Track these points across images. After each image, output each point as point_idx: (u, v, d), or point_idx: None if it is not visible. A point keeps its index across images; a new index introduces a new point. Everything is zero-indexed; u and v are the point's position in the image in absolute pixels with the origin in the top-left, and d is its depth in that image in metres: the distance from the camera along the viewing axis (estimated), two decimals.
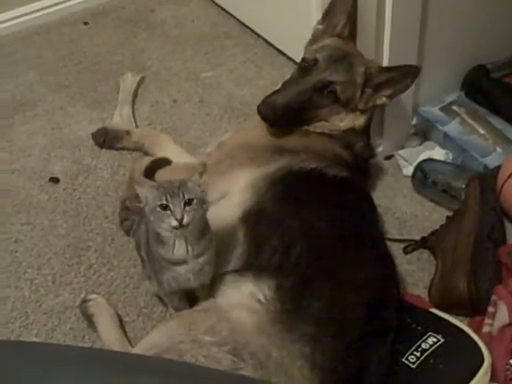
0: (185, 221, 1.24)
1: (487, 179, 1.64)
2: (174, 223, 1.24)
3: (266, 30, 2.29)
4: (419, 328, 1.35)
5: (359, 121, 1.65)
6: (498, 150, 1.77)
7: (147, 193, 1.28)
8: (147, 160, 1.84)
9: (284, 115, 1.59)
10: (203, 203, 1.28)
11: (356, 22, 1.72)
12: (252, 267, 1.36)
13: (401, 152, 1.87)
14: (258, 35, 2.33)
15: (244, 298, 1.31)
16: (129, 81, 2.15)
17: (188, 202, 1.25)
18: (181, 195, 1.24)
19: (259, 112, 1.60)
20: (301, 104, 1.60)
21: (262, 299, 1.29)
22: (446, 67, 1.88)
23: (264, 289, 1.30)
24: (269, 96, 1.62)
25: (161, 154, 1.85)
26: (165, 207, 1.24)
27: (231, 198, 1.52)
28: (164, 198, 1.24)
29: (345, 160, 1.61)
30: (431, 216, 1.74)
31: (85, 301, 1.52)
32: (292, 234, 1.39)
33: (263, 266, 1.35)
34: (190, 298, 1.44)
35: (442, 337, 1.31)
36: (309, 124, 1.63)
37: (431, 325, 1.36)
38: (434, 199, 1.76)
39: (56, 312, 1.54)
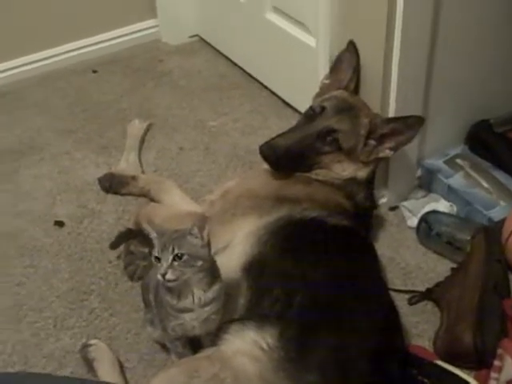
0: (168, 276, 1.27)
1: (492, 232, 1.64)
2: (159, 277, 1.27)
3: (273, 82, 2.33)
4: (425, 380, 1.34)
5: (361, 172, 1.67)
6: (502, 203, 1.78)
7: (153, 239, 1.31)
8: (153, 206, 1.86)
9: (285, 158, 1.62)
10: (199, 259, 1.29)
11: (360, 76, 1.76)
12: (254, 316, 1.35)
13: (405, 203, 1.88)
14: (265, 86, 2.38)
15: (247, 346, 1.29)
16: (136, 127, 2.18)
17: (179, 257, 1.26)
18: (170, 249, 1.27)
19: (261, 152, 1.63)
20: (303, 148, 1.62)
21: (265, 347, 1.28)
22: (451, 121, 1.91)
23: (266, 337, 1.29)
24: (273, 138, 1.65)
25: (166, 199, 1.87)
26: (157, 259, 1.28)
27: (234, 248, 1.53)
28: (157, 250, 1.28)
29: (346, 210, 1.62)
30: (436, 267, 1.74)
31: (86, 346, 1.50)
32: (293, 284, 1.39)
33: (265, 315, 1.34)
34: (194, 345, 1.42)
35: None
36: (311, 170, 1.65)
37: (437, 377, 1.34)
38: (438, 251, 1.76)
39: (56, 356, 1.52)
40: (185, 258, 1.27)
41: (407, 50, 1.65)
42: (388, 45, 1.64)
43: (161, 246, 1.28)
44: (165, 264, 1.26)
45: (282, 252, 1.48)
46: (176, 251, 1.26)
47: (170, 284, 1.28)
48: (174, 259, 1.26)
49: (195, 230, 1.30)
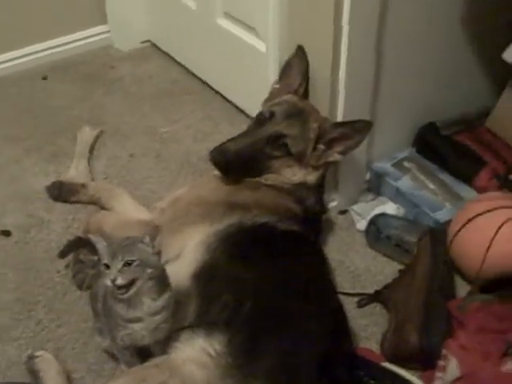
0: (118, 281, 1.26)
1: (438, 234, 1.67)
2: (108, 283, 1.26)
3: (225, 88, 2.34)
4: (372, 382, 1.36)
5: (311, 176, 1.68)
6: (448, 205, 1.82)
7: (100, 248, 1.31)
8: (103, 214, 1.85)
9: (235, 162, 1.62)
10: (149, 266, 1.29)
11: (309, 80, 1.77)
12: (204, 323, 1.35)
13: (354, 207, 1.91)
14: (217, 92, 2.38)
15: (196, 353, 1.29)
16: (87, 134, 2.15)
17: (129, 263, 1.26)
18: (120, 256, 1.26)
19: (211, 157, 1.63)
20: (253, 153, 1.63)
21: (213, 354, 1.27)
22: (398, 124, 1.94)
23: (215, 344, 1.29)
24: (223, 143, 1.65)
25: (117, 207, 1.85)
26: (107, 266, 1.27)
27: (185, 256, 1.52)
28: (106, 257, 1.27)
29: (296, 214, 1.63)
30: (384, 270, 1.76)
31: (31, 357, 1.47)
32: (242, 290, 1.39)
33: (214, 322, 1.34)
34: (143, 354, 1.41)
35: None
36: (261, 175, 1.65)
37: (384, 378, 1.36)
38: (386, 253, 1.78)
39: (2, 368, 1.49)
40: (135, 264, 1.26)
41: (354, 55, 1.67)
42: (335, 50, 1.66)
43: (110, 253, 1.27)
44: (114, 270, 1.26)
45: (232, 258, 1.48)
46: (126, 258, 1.26)
47: (120, 292, 1.27)
48: (124, 265, 1.26)
49: (147, 239, 1.30)
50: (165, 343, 1.36)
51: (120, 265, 1.26)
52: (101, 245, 1.31)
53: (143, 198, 1.94)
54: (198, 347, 1.30)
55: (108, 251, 1.28)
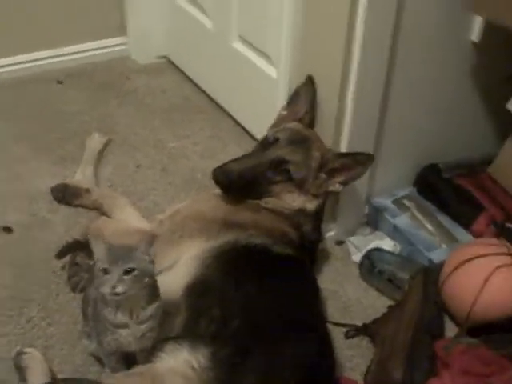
0: (118, 289, 1.28)
1: (431, 273, 1.69)
2: (108, 290, 1.28)
3: (235, 109, 2.38)
4: None
5: (311, 204, 1.71)
6: (444, 246, 1.84)
7: (98, 252, 1.32)
8: (104, 220, 1.87)
9: (237, 183, 1.65)
10: (146, 275, 1.31)
11: (316, 110, 1.81)
12: (190, 335, 1.36)
13: (352, 239, 1.93)
14: (227, 113, 2.41)
15: (179, 365, 1.30)
16: (95, 141, 2.19)
17: (128, 271, 1.28)
18: (121, 262, 1.28)
19: (214, 175, 1.66)
20: (255, 175, 1.66)
21: (197, 367, 1.29)
22: (401, 163, 1.97)
23: (199, 357, 1.30)
24: (226, 163, 1.68)
25: (118, 214, 1.88)
26: (106, 271, 1.28)
27: (178, 268, 1.54)
28: (106, 263, 1.29)
29: (292, 240, 1.65)
30: (375, 304, 1.77)
31: (20, 353, 1.49)
32: (231, 307, 1.41)
33: (200, 335, 1.36)
34: (128, 360, 1.43)
35: None
36: (261, 198, 1.68)
37: None
38: (379, 288, 1.80)
39: None
40: (135, 272, 1.28)
41: (362, 90, 1.70)
42: (344, 81, 1.70)
43: (111, 258, 1.29)
44: (115, 277, 1.27)
45: (224, 275, 1.50)
46: (127, 265, 1.28)
47: (116, 298, 1.29)
48: (123, 273, 1.27)
49: (143, 247, 1.32)
50: (150, 352, 1.38)
51: (121, 272, 1.27)
52: (100, 248, 1.32)
53: (146, 209, 1.97)
54: (181, 359, 1.31)
55: (108, 256, 1.29)
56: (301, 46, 1.85)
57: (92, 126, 2.31)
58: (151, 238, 1.35)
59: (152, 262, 1.33)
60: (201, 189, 2.08)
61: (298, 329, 1.41)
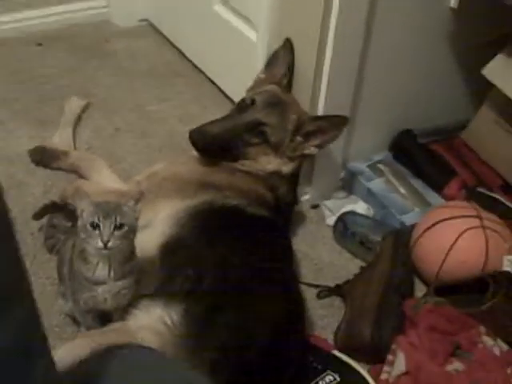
0: (110, 244, 1.28)
1: (402, 235, 1.72)
2: (100, 244, 1.28)
3: (215, 73, 2.38)
4: (319, 366, 1.41)
5: (286, 167, 1.73)
6: (416, 209, 1.87)
7: (84, 207, 1.31)
8: (82, 182, 1.88)
9: (213, 144, 1.67)
10: (133, 231, 1.32)
11: (293, 73, 1.82)
12: (164, 293, 1.39)
13: (326, 202, 1.96)
14: (208, 77, 2.42)
15: (152, 321, 1.33)
16: (74, 104, 2.18)
17: (119, 227, 1.28)
18: (113, 218, 1.28)
19: (190, 137, 1.67)
20: (231, 137, 1.67)
21: (169, 323, 1.32)
22: (377, 128, 1.99)
23: (172, 313, 1.33)
24: (203, 125, 1.69)
25: (95, 177, 1.89)
26: (95, 226, 1.28)
27: (153, 228, 1.56)
28: (97, 217, 1.28)
29: (267, 201, 1.67)
30: (348, 266, 1.81)
31: None
32: (206, 264, 1.43)
33: (174, 292, 1.38)
34: (104, 319, 1.45)
35: (339, 376, 1.37)
36: (237, 160, 1.70)
37: (331, 365, 1.42)
38: (351, 250, 1.83)
39: None
40: (125, 228, 1.29)
41: (339, 54, 1.71)
42: (321, 46, 1.70)
43: (102, 212, 1.28)
44: (107, 231, 1.27)
45: (199, 234, 1.52)
46: (118, 220, 1.28)
47: (104, 252, 1.29)
48: (114, 228, 1.28)
49: (132, 203, 1.32)
50: (125, 310, 1.40)
51: (112, 226, 1.27)
52: (87, 204, 1.30)
53: (123, 171, 1.98)
54: (155, 316, 1.34)
55: (98, 211, 1.28)
56: (280, 9, 1.85)
57: (71, 88, 2.30)
58: (139, 196, 1.35)
59: (137, 219, 1.33)
60: (178, 152, 2.09)
61: (269, 286, 1.44)
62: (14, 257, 0.67)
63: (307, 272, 1.78)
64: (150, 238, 1.52)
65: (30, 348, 0.71)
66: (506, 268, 1.65)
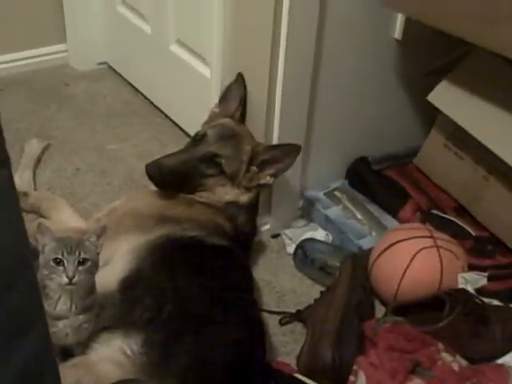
0: (75, 279, 1.28)
1: (359, 259, 1.75)
2: (65, 280, 1.28)
3: (173, 111, 2.42)
4: None
5: (243, 197, 1.76)
6: (373, 234, 1.91)
7: (47, 242, 1.31)
8: (42, 221, 1.88)
9: (170, 177, 1.70)
10: (96, 265, 1.33)
11: (246, 106, 1.87)
12: (124, 324, 1.40)
13: (286, 231, 1.98)
14: (166, 115, 2.46)
15: (112, 353, 1.34)
16: (34, 146, 2.20)
17: (82, 262, 1.29)
18: (77, 253, 1.29)
19: (146, 170, 1.70)
20: (188, 169, 1.71)
21: (129, 353, 1.33)
22: (332, 156, 2.04)
23: (132, 343, 1.34)
24: (159, 158, 1.73)
25: (56, 217, 1.90)
26: (58, 262, 1.28)
27: (114, 262, 1.57)
28: (60, 253, 1.28)
29: (226, 231, 1.70)
30: (309, 292, 1.83)
31: None
32: (164, 296, 1.45)
33: (134, 323, 1.39)
34: (66, 354, 1.45)
35: None
36: (195, 192, 1.73)
37: None
38: (312, 276, 1.86)
39: None
40: (88, 263, 1.30)
41: (290, 85, 1.77)
42: (272, 79, 1.76)
43: (65, 248, 1.28)
44: (71, 267, 1.27)
45: (158, 267, 1.53)
46: (82, 255, 1.29)
47: (68, 288, 1.29)
48: (79, 264, 1.29)
49: (93, 238, 1.33)
50: (86, 345, 1.40)
51: (77, 262, 1.28)
52: (50, 239, 1.31)
53: (85, 210, 2.00)
54: (115, 347, 1.35)
55: (60, 247, 1.28)
56: (231, 46, 1.91)
57: (31, 131, 2.32)
58: (101, 231, 1.36)
59: (99, 253, 1.34)
60: (139, 188, 2.12)
61: (229, 313, 1.46)
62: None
63: (269, 300, 1.80)
64: (110, 274, 1.53)
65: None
66: (461, 285, 1.69)
